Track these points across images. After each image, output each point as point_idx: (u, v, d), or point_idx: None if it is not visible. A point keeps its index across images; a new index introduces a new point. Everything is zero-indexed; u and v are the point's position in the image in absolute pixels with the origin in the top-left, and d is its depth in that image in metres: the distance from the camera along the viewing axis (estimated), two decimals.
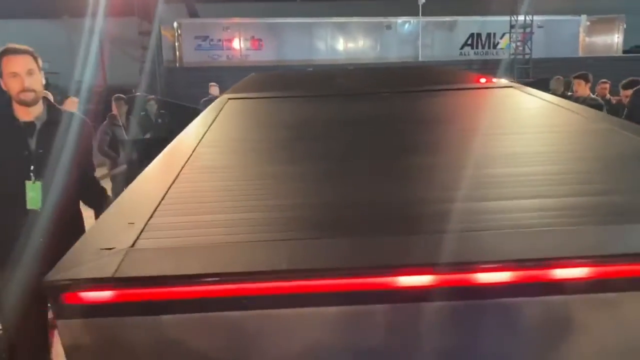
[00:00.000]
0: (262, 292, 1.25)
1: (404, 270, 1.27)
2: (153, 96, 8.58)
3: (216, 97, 9.33)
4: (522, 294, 1.29)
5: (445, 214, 1.50)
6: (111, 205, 1.62)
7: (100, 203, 2.87)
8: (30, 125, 2.62)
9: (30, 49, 2.60)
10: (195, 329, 1.27)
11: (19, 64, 2.53)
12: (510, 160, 2.03)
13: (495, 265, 1.27)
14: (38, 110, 2.64)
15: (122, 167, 6.01)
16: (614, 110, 5.63)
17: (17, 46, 2.58)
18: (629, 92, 5.08)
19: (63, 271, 1.22)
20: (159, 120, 6.04)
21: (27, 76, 2.52)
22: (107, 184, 6.43)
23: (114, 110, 6.89)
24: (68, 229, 2.52)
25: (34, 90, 2.56)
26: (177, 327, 1.25)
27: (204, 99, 9.29)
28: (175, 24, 18.93)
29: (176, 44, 19.19)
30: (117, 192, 6.60)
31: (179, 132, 2.54)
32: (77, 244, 1.38)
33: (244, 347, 1.30)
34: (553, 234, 1.39)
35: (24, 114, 2.61)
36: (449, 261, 1.27)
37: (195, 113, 5.33)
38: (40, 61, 2.62)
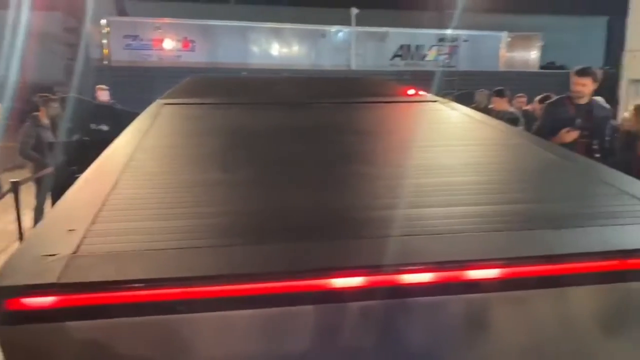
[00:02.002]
0: (201, 295, 1.32)
1: (335, 273, 1.38)
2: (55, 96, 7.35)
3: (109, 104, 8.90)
4: (442, 293, 1.44)
5: (373, 221, 1.64)
6: (50, 211, 1.62)
7: None
8: None
9: None
10: (136, 332, 1.31)
11: None
12: (435, 171, 2.20)
13: (415, 268, 1.41)
14: None
15: (49, 170, 5.79)
16: (530, 122, 6.06)
17: None
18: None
19: (6, 278, 1.23)
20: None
21: None
22: (30, 188, 6.17)
23: (40, 111, 6.59)
24: None
25: None
26: (119, 331, 1.30)
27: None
28: (103, 22, 18.26)
29: (104, 41, 18.51)
30: (42, 196, 6.32)
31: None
32: (17, 251, 1.39)
33: (181, 350, 1.36)
34: (469, 238, 1.55)
35: None
36: (372, 264, 1.39)
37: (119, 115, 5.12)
38: None
